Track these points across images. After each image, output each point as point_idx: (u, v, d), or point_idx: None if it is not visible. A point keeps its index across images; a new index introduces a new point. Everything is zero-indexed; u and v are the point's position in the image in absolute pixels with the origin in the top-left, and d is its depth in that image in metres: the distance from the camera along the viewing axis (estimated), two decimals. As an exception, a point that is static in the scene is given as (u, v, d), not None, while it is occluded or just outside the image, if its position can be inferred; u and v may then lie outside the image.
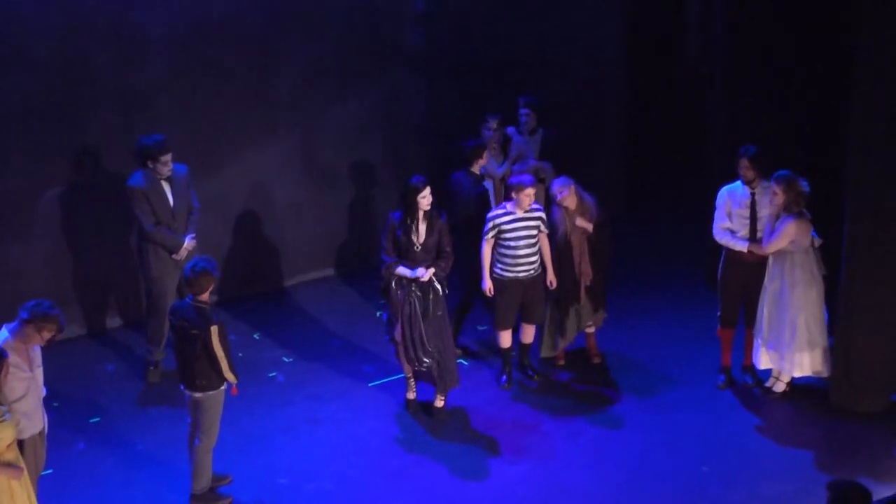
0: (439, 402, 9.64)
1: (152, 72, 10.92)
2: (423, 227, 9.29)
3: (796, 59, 10.93)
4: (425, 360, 9.35)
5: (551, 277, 9.91)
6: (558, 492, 8.71)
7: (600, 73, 13.60)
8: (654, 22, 14.21)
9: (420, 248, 9.27)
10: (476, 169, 10.65)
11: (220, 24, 11.19)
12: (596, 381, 10.25)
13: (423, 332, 9.29)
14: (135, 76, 10.86)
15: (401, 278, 9.30)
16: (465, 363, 10.51)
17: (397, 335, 9.42)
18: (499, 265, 9.82)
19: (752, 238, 9.60)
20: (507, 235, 9.71)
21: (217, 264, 8.29)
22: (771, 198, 9.37)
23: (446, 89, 12.80)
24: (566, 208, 9.88)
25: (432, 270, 9.30)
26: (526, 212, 9.70)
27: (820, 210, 9.49)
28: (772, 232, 9.37)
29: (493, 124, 11.40)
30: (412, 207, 9.21)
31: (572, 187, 9.84)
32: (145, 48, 10.86)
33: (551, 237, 9.90)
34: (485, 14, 12.84)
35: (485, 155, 10.69)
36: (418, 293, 9.29)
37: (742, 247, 9.59)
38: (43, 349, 7.74)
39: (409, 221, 9.26)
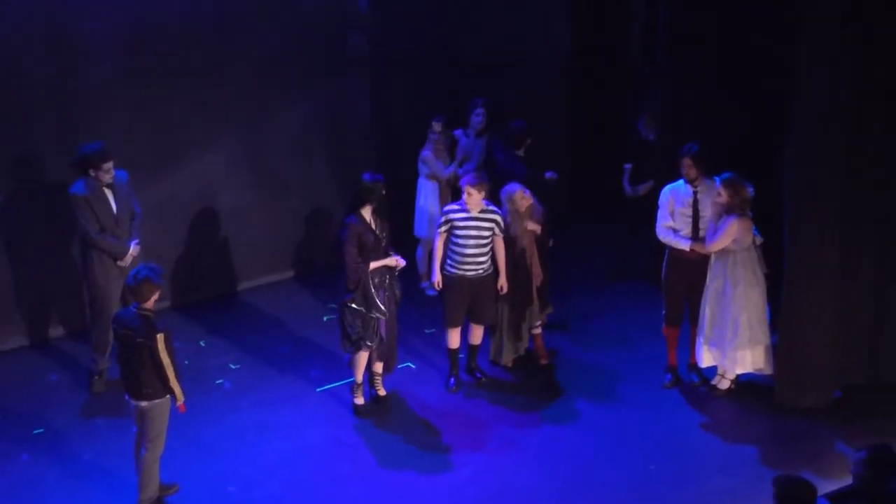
0: (383, 391, 9.82)
1: (93, 78, 10.81)
2: (379, 221, 9.45)
3: (739, 62, 11.07)
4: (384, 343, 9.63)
5: (502, 282, 9.95)
6: (508, 492, 8.75)
7: (545, 76, 13.65)
8: (598, 26, 14.27)
9: (384, 241, 9.42)
10: (521, 152, 11.01)
11: (161, 29, 11.08)
12: (543, 381, 10.30)
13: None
14: (75, 83, 10.72)
15: (381, 280, 9.41)
16: (413, 366, 10.53)
17: (384, 333, 9.51)
18: (448, 261, 9.90)
19: (695, 237, 9.70)
20: (458, 233, 9.78)
21: (161, 271, 8.25)
22: (714, 198, 9.46)
23: (391, 91, 12.79)
24: (517, 212, 9.94)
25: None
26: (481, 211, 9.74)
27: (761, 209, 9.58)
28: (714, 231, 9.47)
29: (439, 127, 11.50)
30: (379, 203, 9.36)
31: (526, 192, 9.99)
32: (85, 54, 10.74)
33: (509, 241, 9.95)
34: (429, 16, 12.84)
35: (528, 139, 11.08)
36: (394, 284, 9.51)
37: (684, 245, 9.67)
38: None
39: (370, 218, 9.36)
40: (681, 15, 11.28)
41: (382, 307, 9.47)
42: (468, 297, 9.94)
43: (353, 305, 9.39)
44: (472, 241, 9.77)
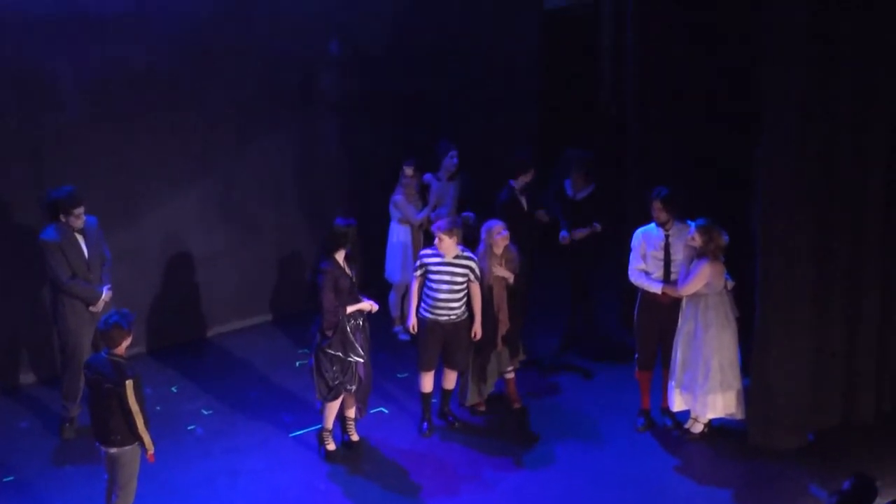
0: (356, 436, 9.83)
1: (60, 120, 10.80)
2: (352, 265, 9.51)
3: (706, 101, 11.13)
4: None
5: (476, 328, 9.96)
6: (481, 537, 8.73)
7: (513, 117, 13.73)
8: (565, 67, 14.39)
9: (356, 283, 9.46)
10: (518, 185, 11.08)
11: (134, 73, 11.12)
12: (516, 425, 10.31)
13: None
14: (42, 125, 10.72)
15: (356, 323, 9.45)
16: (386, 411, 10.54)
17: (363, 375, 9.55)
18: (423, 305, 9.92)
19: (667, 279, 9.74)
20: (431, 277, 9.81)
21: (132, 317, 8.20)
22: (688, 241, 9.51)
23: (361, 132, 12.86)
24: (493, 253, 9.96)
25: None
26: (455, 257, 9.76)
27: (733, 252, 9.60)
28: (687, 274, 9.50)
29: (410, 171, 11.52)
30: (353, 247, 9.42)
31: (508, 233, 10.00)
32: (51, 96, 10.74)
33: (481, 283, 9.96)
34: (398, 58, 12.94)
35: (530, 171, 11.09)
36: (366, 326, 9.56)
37: (656, 288, 9.71)
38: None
39: (343, 263, 9.39)
40: (646, 54, 11.34)
41: (360, 350, 9.50)
42: (441, 342, 9.94)
43: (331, 351, 9.39)
44: (445, 287, 9.78)
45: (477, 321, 9.95)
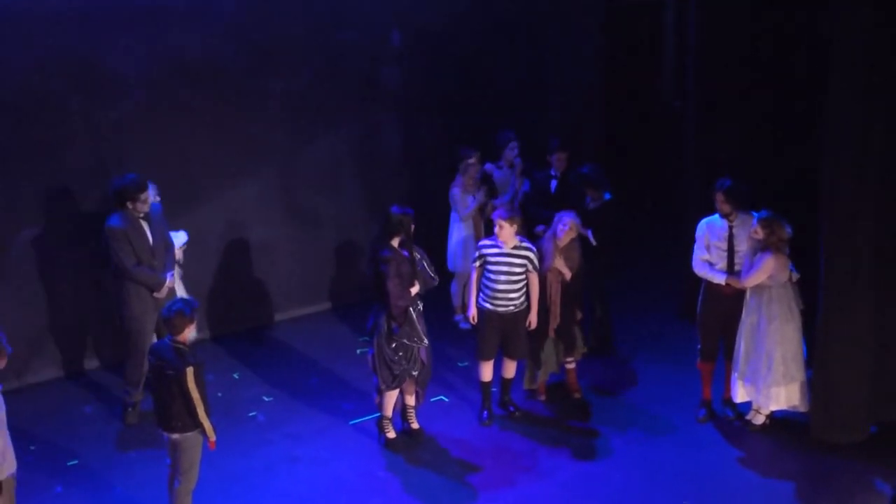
0: (416, 424, 9.84)
1: (124, 112, 10.91)
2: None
3: (771, 92, 11.07)
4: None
5: (532, 318, 9.95)
6: (539, 528, 8.71)
7: (576, 110, 13.68)
8: (629, 60, 14.30)
9: (415, 268, 9.46)
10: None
11: (194, 63, 11.20)
12: (577, 416, 10.31)
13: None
14: (106, 117, 10.84)
15: (416, 307, 9.45)
16: (446, 399, 10.57)
17: (425, 359, 9.57)
18: (481, 295, 9.92)
19: (730, 270, 9.70)
20: (490, 268, 9.79)
21: (195, 304, 8.25)
22: (751, 233, 9.47)
23: (423, 125, 12.90)
24: (556, 244, 9.96)
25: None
26: (514, 247, 9.74)
27: (798, 243, 9.56)
28: (750, 266, 9.46)
29: (471, 160, 11.53)
30: (407, 236, 9.39)
31: (576, 228, 9.96)
32: (117, 89, 10.85)
33: (540, 266, 9.93)
34: (461, 51, 12.98)
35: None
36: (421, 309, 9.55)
37: (720, 279, 9.66)
38: (12, 393, 7.47)
39: (406, 249, 9.38)
40: (709, 45, 11.30)
41: (422, 334, 9.52)
42: (500, 332, 9.94)
43: (403, 340, 9.41)
44: (503, 277, 9.77)
45: (533, 311, 9.95)
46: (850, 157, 9.10)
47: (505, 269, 9.76)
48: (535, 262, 9.83)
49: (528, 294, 9.94)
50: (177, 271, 10.42)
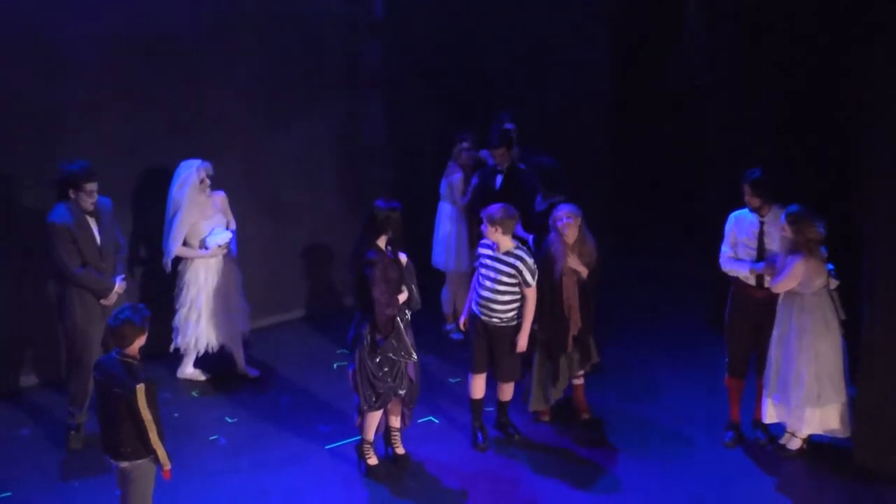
0: (401, 449, 9.78)
1: (71, 93, 10.84)
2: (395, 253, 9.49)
3: (806, 73, 11.07)
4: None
5: (520, 341, 9.75)
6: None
7: (583, 87, 13.78)
8: (644, 31, 14.47)
9: (406, 270, 9.41)
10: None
11: (150, 40, 11.18)
12: (585, 439, 10.21)
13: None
14: (52, 98, 10.74)
15: (403, 316, 9.36)
16: (436, 420, 10.48)
17: (413, 375, 9.49)
18: (473, 297, 9.92)
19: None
20: (480, 270, 9.79)
21: (147, 313, 8.08)
22: (781, 231, 9.33)
23: (410, 107, 12.93)
24: (564, 242, 9.80)
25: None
26: (506, 253, 9.61)
27: (839, 244, 9.49)
28: (781, 269, 9.30)
29: (466, 146, 11.53)
30: (395, 233, 9.27)
31: (578, 219, 9.79)
32: (64, 66, 10.78)
33: (550, 271, 9.74)
34: (452, 23, 13.00)
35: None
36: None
37: (746, 270, 9.53)
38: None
39: (393, 250, 9.31)
40: (741, 20, 11.36)
41: (411, 348, 9.44)
42: (487, 344, 9.88)
43: (389, 354, 9.28)
44: (487, 283, 9.69)
45: (523, 331, 9.76)
46: (892, 149, 9.02)
47: (492, 274, 9.68)
48: (526, 274, 9.64)
49: (520, 311, 9.78)
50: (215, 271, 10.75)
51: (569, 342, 10.00)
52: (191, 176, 10.52)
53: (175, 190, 10.59)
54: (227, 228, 10.85)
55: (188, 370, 11.08)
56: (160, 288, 11.37)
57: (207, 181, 10.56)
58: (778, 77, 11.16)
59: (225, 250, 10.79)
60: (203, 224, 10.69)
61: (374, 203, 9.39)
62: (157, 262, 10.95)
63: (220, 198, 10.83)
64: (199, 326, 10.82)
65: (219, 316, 10.84)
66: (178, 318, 10.84)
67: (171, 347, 10.96)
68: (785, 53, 11.09)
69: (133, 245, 11.01)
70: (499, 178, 11.31)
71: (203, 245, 10.67)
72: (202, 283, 10.78)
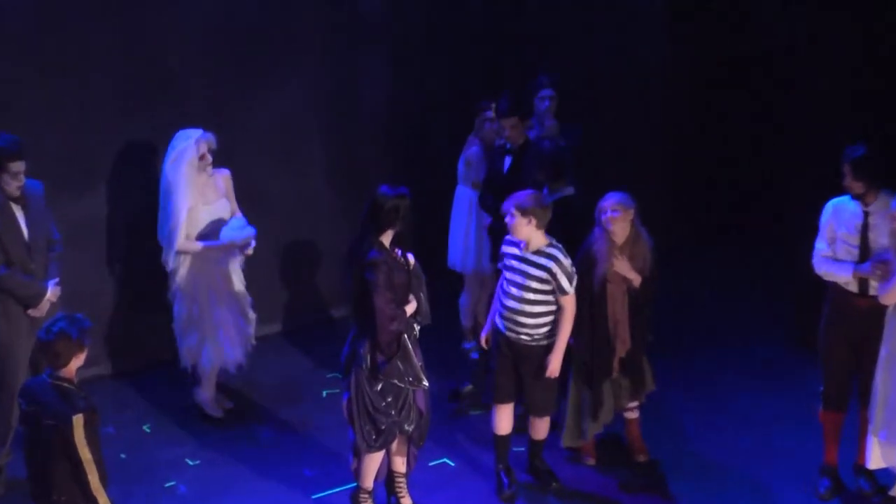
0: (408, 500, 9.70)
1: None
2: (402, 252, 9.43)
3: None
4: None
5: (552, 364, 9.56)
6: None
7: (641, 48, 13.91)
8: None
9: (413, 274, 9.32)
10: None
11: None
12: (638, 486, 10.11)
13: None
14: None
15: (411, 333, 9.26)
16: (452, 463, 10.44)
17: (423, 406, 9.39)
18: (496, 309, 9.86)
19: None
20: (504, 273, 9.69)
21: (88, 325, 7.87)
22: (891, 224, 9.12)
23: (421, 68, 12.97)
24: (610, 240, 9.58)
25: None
26: (536, 252, 9.42)
27: None
28: (892, 272, 9.07)
29: (490, 115, 11.39)
30: (403, 226, 9.16)
31: (629, 211, 9.58)
32: None
33: (590, 277, 9.63)
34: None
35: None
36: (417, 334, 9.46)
37: (847, 273, 9.34)
38: None
39: (401, 249, 9.23)
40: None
41: (421, 372, 9.30)
42: (514, 367, 9.75)
43: (393, 380, 9.12)
44: (514, 290, 9.53)
45: (556, 351, 9.55)
46: None
47: (518, 279, 9.53)
48: (562, 279, 9.43)
49: (554, 326, 9.61)
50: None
51: (614, 366, 9.92)
52: (187, 150, 10.39)
53: (168, 166, 10.49)
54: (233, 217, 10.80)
55: (206, 394, 10.91)
56: (145, 287, 11.45)
57: (209, 157, 10.45)
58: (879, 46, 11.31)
59: (248, 253, 10.73)
60: (203, 211, 10.53)
61: (376, 190, 9.18)
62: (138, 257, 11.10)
63: (224, 177, 10.73)
64: (207, 341, 10.69)
65: (230, 324, 10.74)
66: (178, 328, 10.72)
67: (181, 366, 10.87)
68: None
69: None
70: (507, 161, 11.15)
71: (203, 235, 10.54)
72: (202, 283, 10.61)
